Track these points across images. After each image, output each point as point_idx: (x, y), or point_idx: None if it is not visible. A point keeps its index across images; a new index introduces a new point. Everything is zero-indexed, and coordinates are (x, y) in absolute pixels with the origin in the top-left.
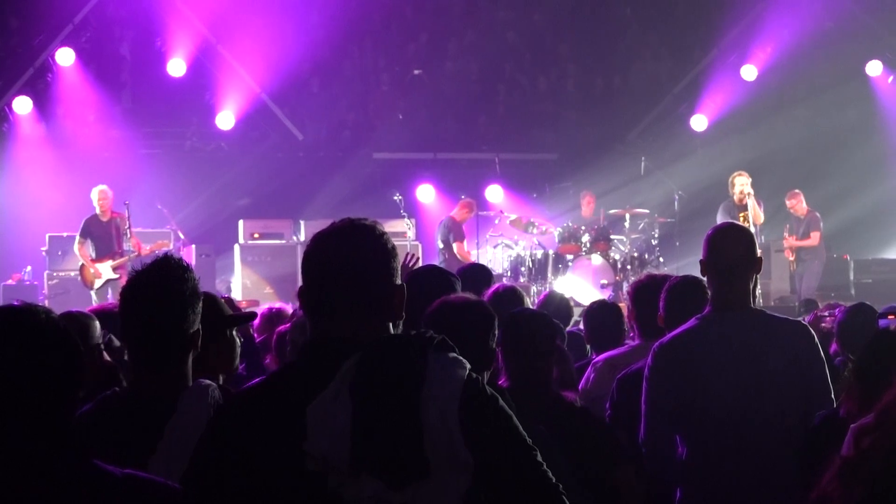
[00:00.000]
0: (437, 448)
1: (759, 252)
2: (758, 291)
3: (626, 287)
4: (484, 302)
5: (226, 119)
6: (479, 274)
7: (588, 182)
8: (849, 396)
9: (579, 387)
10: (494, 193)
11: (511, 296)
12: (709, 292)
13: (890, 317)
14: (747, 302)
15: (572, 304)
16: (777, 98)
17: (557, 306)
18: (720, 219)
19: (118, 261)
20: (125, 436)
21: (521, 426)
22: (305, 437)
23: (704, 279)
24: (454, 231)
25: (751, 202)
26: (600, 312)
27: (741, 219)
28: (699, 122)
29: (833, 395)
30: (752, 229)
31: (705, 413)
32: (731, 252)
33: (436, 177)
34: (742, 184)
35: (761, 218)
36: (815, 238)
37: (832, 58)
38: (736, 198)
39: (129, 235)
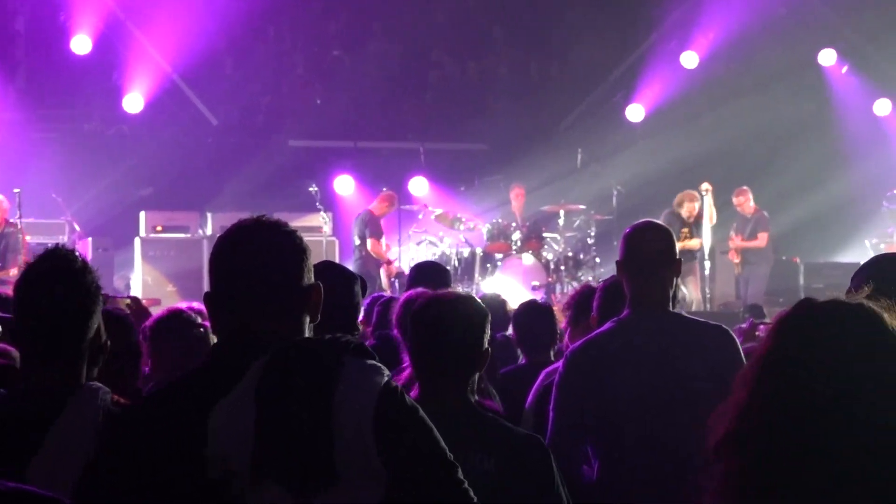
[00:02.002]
0: (348, 457)
1: (678, 254)
2: (679, 295)
3: (559, 289)
4: (475, 298)
5: (134, 101)
6: (436, 272)
7: (520, 175)
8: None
9: (527, 403)
10: (418, 186)
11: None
12: (626, 294)
13: None
14: (666, 304)
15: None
16: (722, 88)
17: (492, 311)
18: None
19: None
20: (5, 433)
21: (442, 440)
22: (207, 442)
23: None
24: (370, 226)
25: (708, 200)
26: (531, 314)
27: (682, 234)
28: (635, 113)
29: None
30: (705, 228)
31: (616, 426)
32: (649, 251)
33: (355, 167)
34: (690, 210)
35: (715, 217)
36: (762, 239)
37: (782, 46)
38: (684, 215)
39: (21, 250)
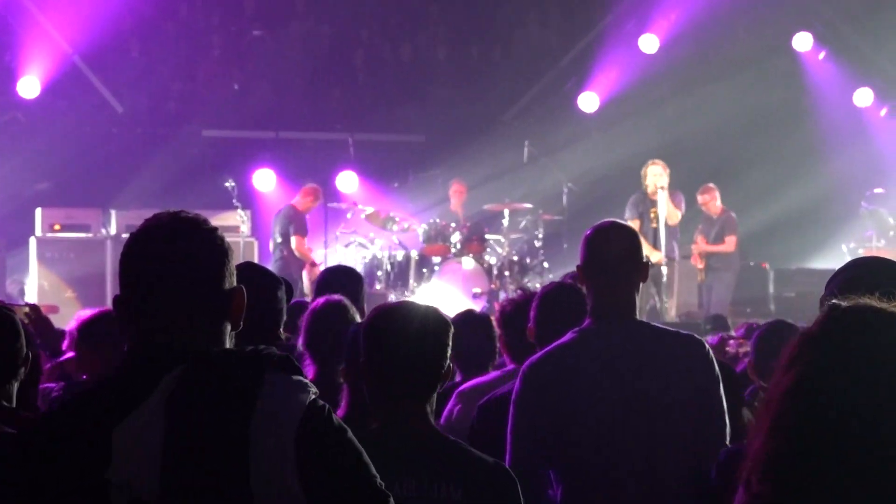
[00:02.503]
0: (266, 481)
1: (645, 256)
2: (647, 306)
3: (502, 297)
4: (438, 308)
5: (29, 86)
6: (349, 277)
7: (460, 170)
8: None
9: (441, 419)
10: (347, 181)
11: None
12: (588, 302)
13: None
14: (632, 312)
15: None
16: (685, 75)
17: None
18: (628, 214)
19: None
20: None
21: (372, 466)
22: (110, 464)
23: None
24: (295, 222)
25: (663, 197)
26: (466, 326)
27: (651, 216)
28: (589, 102)
29: (727, 431)
30: (663, 230)
31: (580, 447)
32: (613, 253)
33: (277, 160)
34: (655, 174)
35: (677, 216)
36: (729, 243)
37: (752, 28)
38: (648, 190)
39: None
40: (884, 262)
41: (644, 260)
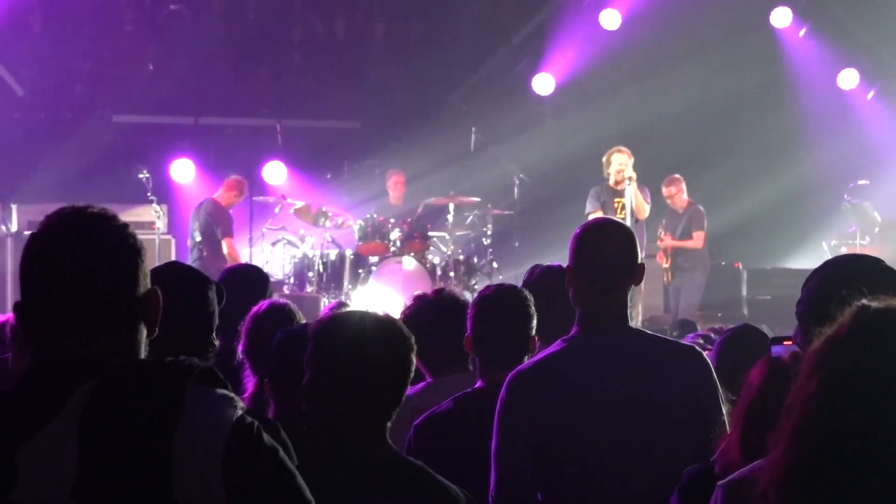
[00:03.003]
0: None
1: (641, 256)
2: (636, 311)
3: None
4: (396, 320)
5: None
6: (248, 280)
7: (400, 160)
8: (729, 446)
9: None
10: (275, 172)
11: (280, 318)
12: (576, 308)
13: (787, 342)
14: (624, 319)
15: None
16: (650, 55)
17: None
18: (589, 207)
19: None
20: None
21: (307, 491)
22: (16, 486)
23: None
24: (222, 222)
25: (631, 188)
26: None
27: (616, 206)
28: (544, 84)
29: None
30: (630, 223)
31: (572, 464)
32: (608, 254)
33: (197, 148)
34: (620, 163)
35: (646, 210)
36: (697, 239)
37: (725, 3)
38: (612, 180)
39: None
40: (865, 259)
41: (640, 261)
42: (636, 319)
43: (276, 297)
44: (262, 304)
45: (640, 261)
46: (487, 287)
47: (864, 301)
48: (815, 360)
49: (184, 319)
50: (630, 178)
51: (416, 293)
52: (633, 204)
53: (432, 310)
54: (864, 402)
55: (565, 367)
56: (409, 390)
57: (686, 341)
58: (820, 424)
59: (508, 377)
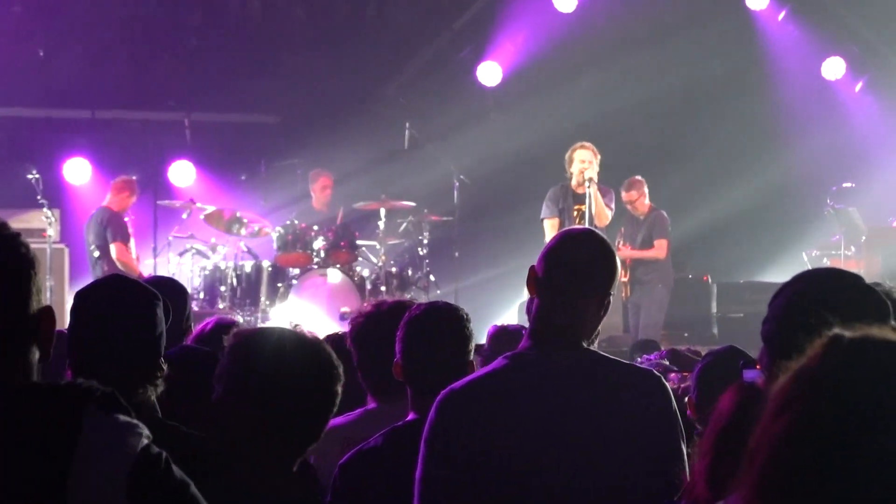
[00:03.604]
0: None
1: (617, 272)
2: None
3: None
4: (323, 343)
5: None
6: (166, 296)
7: (325, 159)
8: (695, 480)
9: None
10: (182, 173)
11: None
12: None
13: (758, 367)
14: (580, 338)
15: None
16: (610, 41)
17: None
18: (545, 211)
19: None
20: None
21: None
22: None
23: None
24: (113, 226)
25: (592, 192)
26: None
27: (574, 214)
28: (489, 74)
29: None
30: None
31: (508, 499)
32: (588, 268)
33: (94, 146)
34: (583, 160)
35: (607, 216)
36: (659, 248)
37: None
38: (574, 181)
39: None
40: (844, 277)
41: (617, 284)
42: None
43: (224, 315)
44: (208, 323)
45: (614, 276)
46: (419, 305)
47: (837, 330)
48: (782, 397)
49: (130, 342)
50: (591, 180)
51: (373, 300)
52: (593, 210)
53: (384, 322)
54: (838, 447)
55: (504, 388)
56: (344, 417)
57: (643, 362)
58: (788, 470)
59: (439, 396)
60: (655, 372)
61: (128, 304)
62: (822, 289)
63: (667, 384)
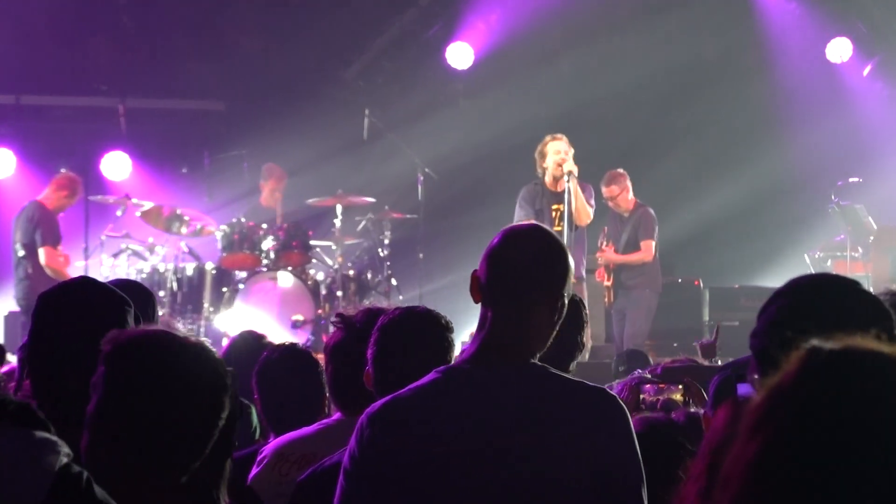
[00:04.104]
0: None
1: (573, 274)
2: (582, 340)
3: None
4: (206, 346)
5: None
6: (134, 298)
7: (275, 149)
8: None
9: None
10: (117, 165)
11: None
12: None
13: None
14: (529, 351)
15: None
16: (591, 21)
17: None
18: (520, 213)
19: None
20: None
21: None
22: None
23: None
24: (43, 226)
25: (572, 187)
26: (284, 369)
27: (553, 214)
28: (460, 56)
29: None
30: (566, 234)
31: None
32: (534, 269)
33: (18, 135)
34: (558, 150)
35: (588, 215)
36: (646, 250)
37: None
38: (549, 178)
39: None
40: (834, 282)
41: (568, 286)
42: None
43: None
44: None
45: (568, 280)
46: (396, 309)
47: (815, 342)
48: (754, 418)
49: (99, 352)
50: (570, 173)
51: (362, 308)
52: (572, 206)
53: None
54: (815, 472)
55: (434, 405)
56: (304, 431)
57: (635, 379)
58: (762, 500)
59: (363, 415)
60: (608, 390)
61: (98, 311)
62: (813, 298)
63: (622, 405)
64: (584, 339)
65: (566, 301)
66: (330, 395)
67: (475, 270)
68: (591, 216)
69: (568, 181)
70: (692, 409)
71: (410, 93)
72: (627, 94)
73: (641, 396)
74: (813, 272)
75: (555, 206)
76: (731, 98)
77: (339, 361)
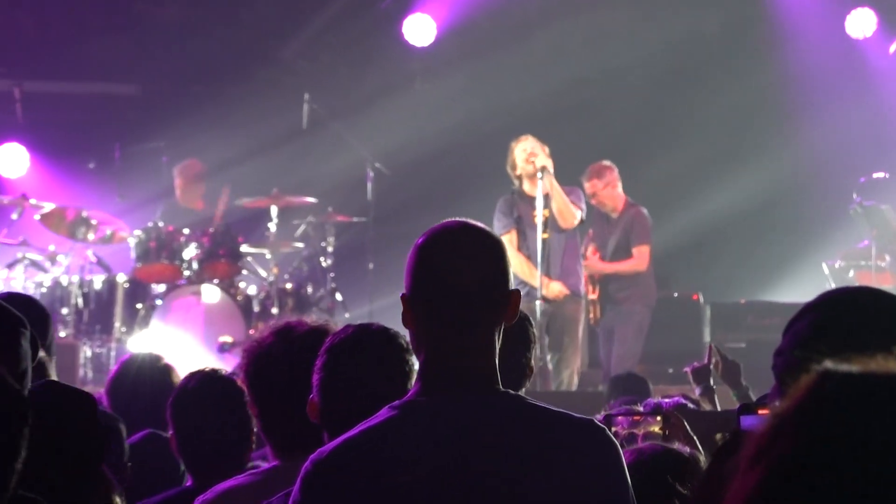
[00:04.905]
0: None
1: (512, 279)
2: (572, 370)
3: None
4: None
5: None
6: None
7: (198, 141)
8: None
9: None
10: (11, 159)
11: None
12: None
13: (761, 411)
14: (490, 377)
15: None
16: None
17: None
18: (498, 226)
19: None
20: None
21: None
22: None
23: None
24: None
25: (547, 183)
26: (206, 399)
27: (535, 221)
28: (419, 30)
29: None
30: (541, 239)
31: None
32: (461, 276)
33: None
34: (525, 149)
35: (573, 214)
36: (640, 257)
37: None
38: (525, 184)
39: None
40: (877, 296)
41: (512, 288)
42: (569, 381)
43: None
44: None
45: (511, 285)
46: (347, 327)
47: (829, 365)
48: (755, 447)
49: None
50: (544, 169)
51: (281, 322)
52: (553, 207)
53: (297, 354)
54: None
55: (388, 447)
56: (234, 482)
57: (619, 410)
58: None
59: (306, 463)
60: (597, 421)
61: None
62: (845, 314)
63: (612, 438)
64: (532, 360)
65: (519, 293)
66: (261, 433)
67: (402, 293)
68: (579, 217)
69: (541, 178)
70: (675, 446)
71: (359, 74)
72: (615, 77)
73: (613, 430)
74: (839, 286)
75: (536, 212)
76: (735, 80)
77: (268, 391)
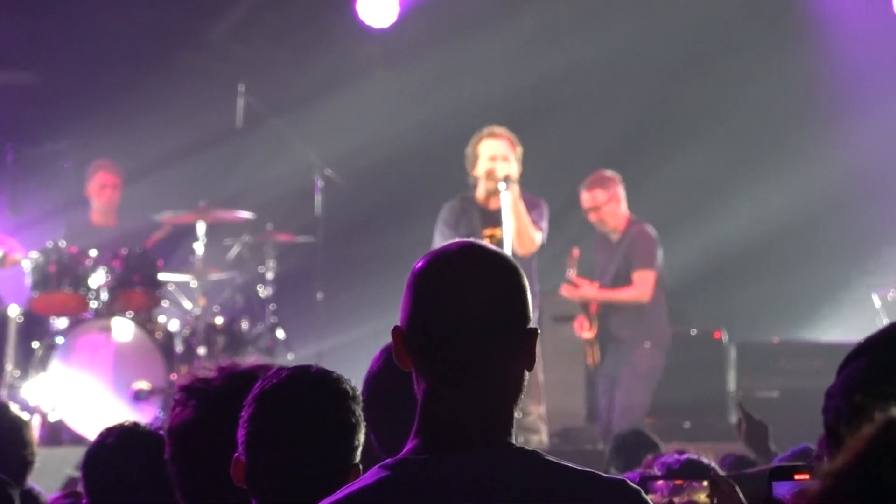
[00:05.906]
0: None
1: (532, 312)
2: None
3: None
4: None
5: None
6: None
7: (109, 142)
8: None
9: None
10: None
11: None
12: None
13: (800, 476)
14: (504, 430)
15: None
16: None
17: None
18: (438, 239)
19: None
20: None
21: None
22: None
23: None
24: None
25: (508, 199)
26: (123, 455)
27: (486, 240)
28: (379, 9)
29: None
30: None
31: None
32: (472, 308)
33: None
34: (494, 156)
35: (533, 240)
36: (640, 284)
37: None
38: (482, 189)
39: None
40: None
41: (531, 322)
42: (535, 426)
43: None
44: None
45: (531, 321)
46: (280, 370)
47: (891, 416)
48: None
49: None
50: (508, 178)
51: (218, 364)
52: (511, 229)
53: (238, 404)
54: None
55: None
56: None
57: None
58: None
59: None
60: (629, 482)
61: None
62: None
63: (645, 498)
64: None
65: (538, 331)
66: (181, 498)
67: (397, 326)
68: (538, 242)
69: (504, 190)
70: None
71: (305, 61)
72: (616, 66)
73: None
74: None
75: (488, 231)
76: (764, 73)
77: (192, 449)
